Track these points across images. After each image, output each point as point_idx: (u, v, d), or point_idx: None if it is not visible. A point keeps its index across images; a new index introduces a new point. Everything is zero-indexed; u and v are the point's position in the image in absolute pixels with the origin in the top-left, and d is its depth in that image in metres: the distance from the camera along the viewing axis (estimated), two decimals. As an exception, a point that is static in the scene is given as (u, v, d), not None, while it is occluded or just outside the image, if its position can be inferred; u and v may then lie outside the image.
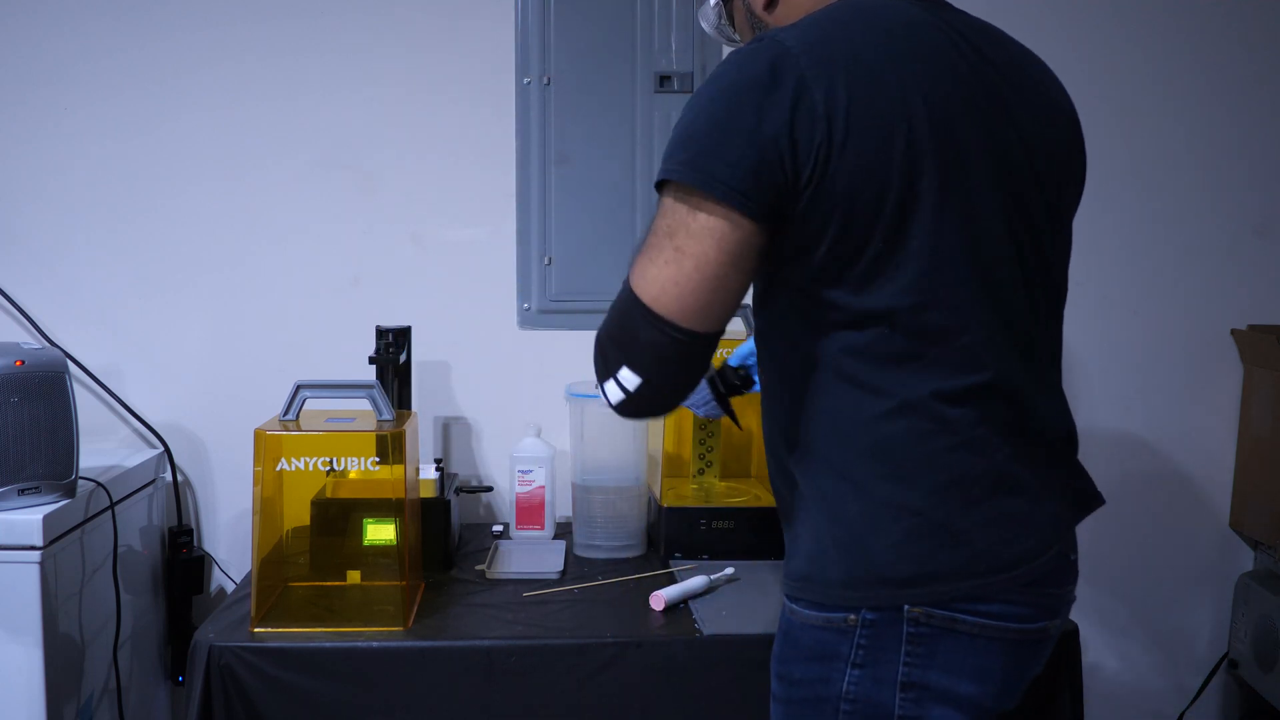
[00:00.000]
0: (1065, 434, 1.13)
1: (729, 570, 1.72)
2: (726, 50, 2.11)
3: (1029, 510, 1.04)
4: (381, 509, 1.64)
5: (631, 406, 1.06)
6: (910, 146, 0.97)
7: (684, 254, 0.98)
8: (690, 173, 0.97)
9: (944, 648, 1.03)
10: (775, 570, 1.73)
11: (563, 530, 2.00)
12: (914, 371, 1.01)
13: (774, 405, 1.13)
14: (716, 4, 1.25)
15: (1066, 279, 1.16)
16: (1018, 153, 1.05)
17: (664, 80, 2.10)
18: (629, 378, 1.03)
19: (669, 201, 1.00)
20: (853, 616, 1.03)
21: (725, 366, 1.57)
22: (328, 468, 1.57)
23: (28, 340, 1.95)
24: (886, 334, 1.00)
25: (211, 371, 2.09)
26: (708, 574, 1.69)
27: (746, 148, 0.95)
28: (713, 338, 1.03)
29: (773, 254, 1.02)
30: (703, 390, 1.55)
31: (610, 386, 1.06)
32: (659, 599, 1.59)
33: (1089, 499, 1.14)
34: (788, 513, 1.14)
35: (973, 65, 1.04)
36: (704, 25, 1.28)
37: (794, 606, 1.09)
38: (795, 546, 1.11)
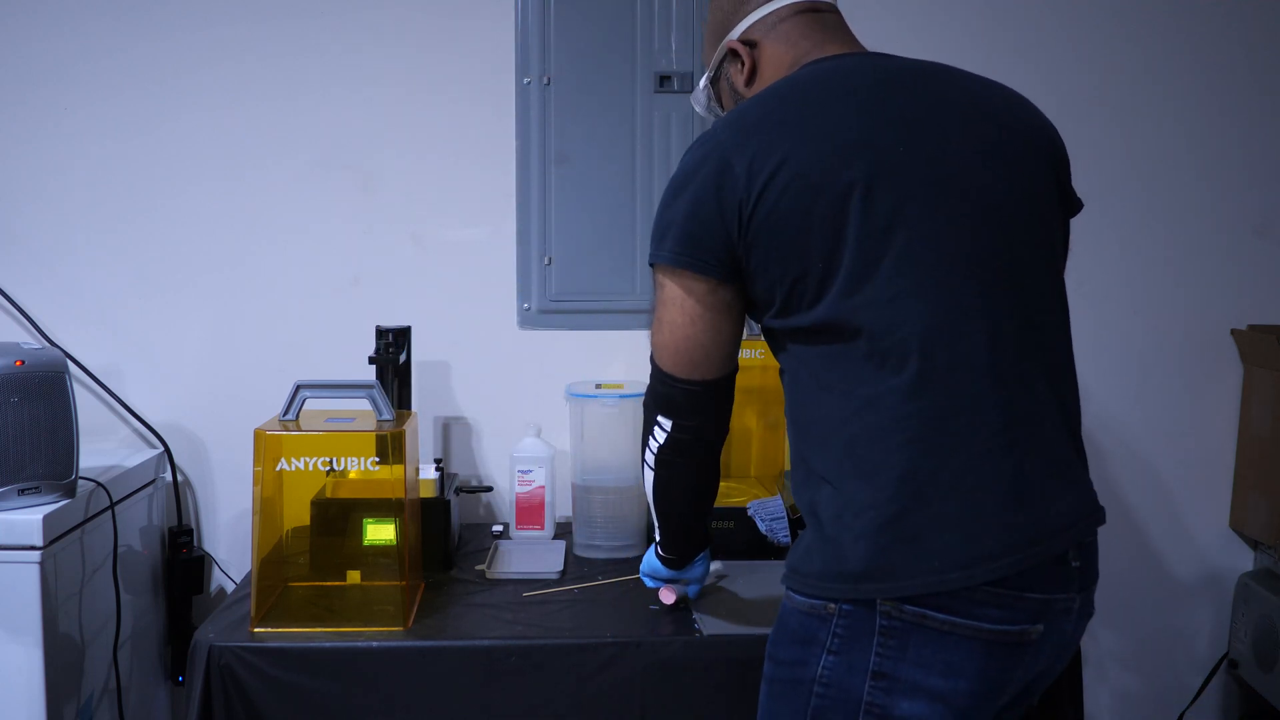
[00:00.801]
0: (1055, 435, 1.12)
1: (717, 565, 1.73)
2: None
3: (996, 510, 1.05)
4: (381, 509, 1.64)
5: (674, 444, 1.28)
6: (837, 181, 1.08)
7: (663, 322, 1.22)
8: (654, 254, 1.19)
9: (915, 642, 1.06)
10: (774, 569, 1.72)
11: (563, 530, 2.00)
12: (873, 370, 1.08)
13: (788, 425, 1.23)
14: (706, 87, 1.37)
15: (1057, 275, 1.19)
16: (972, 170, 1.12)
17: (664, 80, 2.10)
18: (665, 421, 1.27)
19: (654, 278, 1.22)
20: (832, 605, 1.10)
21: None
22: (328, 468, 1.57)
23: (28, 340, 1.95)
24: (846, 343, 1.10)
25: (211, 371, 2.09)
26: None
27: (687, 222, 1.15)
28: (714, 383, 1.23)
29: (748, 299, 1.19)
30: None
31: (656, 433, 1.29)
32: (669, 594, 1.59)
33: (1088, 508, 1.13)
34: (801, 507, 1.22)
35: (905, 101, 1.14)
36: (697, 108, 1.40)
37: (788, 592, 1.17)
38: (797, 541, 1.20)
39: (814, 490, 1.14)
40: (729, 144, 1.13)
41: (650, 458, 1.32)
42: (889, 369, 1.07)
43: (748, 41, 1.27)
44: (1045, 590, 1.07)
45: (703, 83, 1.37)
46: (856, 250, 1.07)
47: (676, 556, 1.48)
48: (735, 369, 1.26)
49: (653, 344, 1.25)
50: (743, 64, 1.28)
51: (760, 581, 1.72)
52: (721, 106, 1.37)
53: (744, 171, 1.11)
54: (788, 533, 1.77)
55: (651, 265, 1.21)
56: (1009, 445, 1.07)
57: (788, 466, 2.09)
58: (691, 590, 1.60)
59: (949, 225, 1.09)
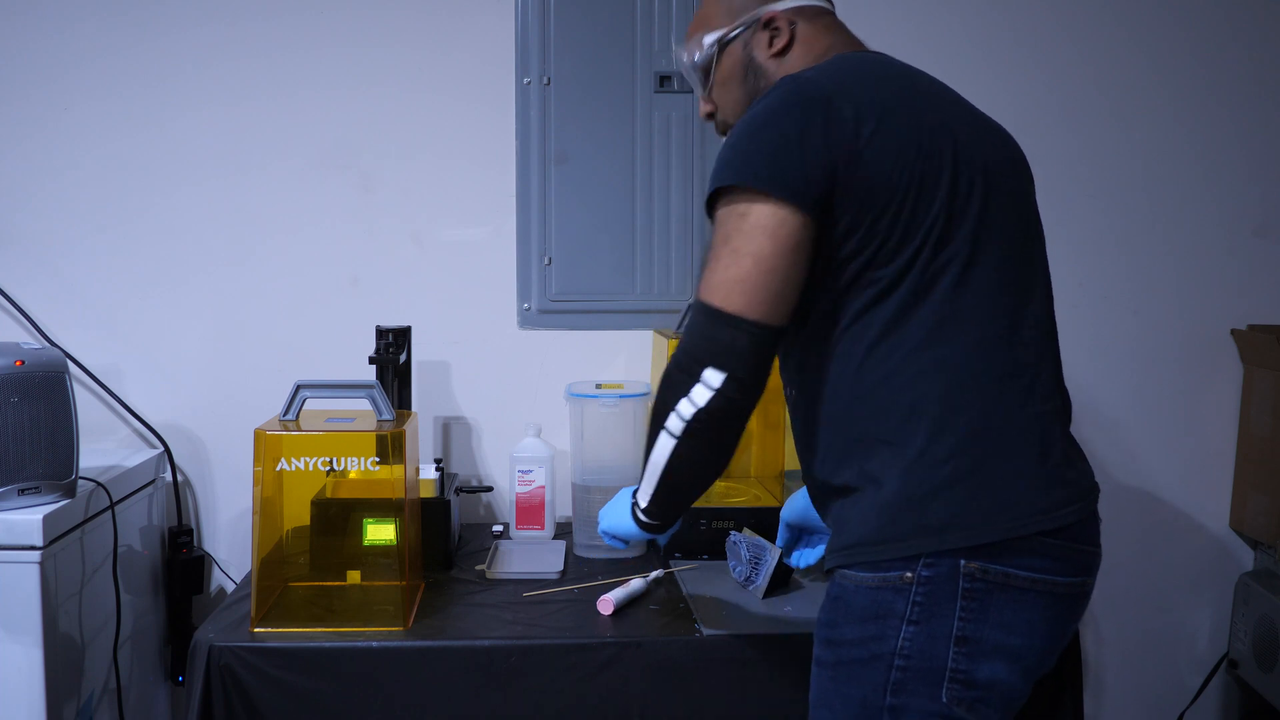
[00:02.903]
0: (1066, 404, 1.22)
1: (658, 573, 1.73)
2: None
3: (1057, 464, 1.14)
4: (381, 509, 1.64)
5: (720, 404, 1.13)
6: (934, 152, 1.13)
7: (741, 253, 1.11)
8: (738, 176, 1.11)
9: (996, 603, 1.09)
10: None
11: (563, 530, 2.00)
12: (945, 331, 1.12)
13: (819, 404, 1.20)
14: (712, 45, 1.32)
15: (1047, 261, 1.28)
16: (1008, 176, 1.21)
17: (664, 80, 2.10)
18: (713, 376, 1.13)
19: (721, 213, 1.14)
20: (909, 574, 1.10)
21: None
22: (328, 468, 1.57)
23: (28, 340, 1.95)
24: (922, 303, 1.12)
25: (211, 371, 2.09)
26: (643, 576, 1.70)
27: (788, 150, 1.10)
28: (780, 331, 1.14)
29: (822, 244, 1.14)
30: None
31: (696, 392, 1.14)
32: (608, 603, 1.59)
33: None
34: (833, 496, 1.20)
35: (945, 98, 1.23)
36: (683, 58, 1.36)
37: (847, 573, 1.16)
38: (843, 524, 1.18)
39: (866, 457, 1.14)
40: (830, 87, 1.12)
41: (676, 423, 1.17)
42: (959, 331, 1.12)
43: (790, 20, 1.28)
44: (1091, 543, 1.16)
45: (711, 37, 1.32)
46: (945, 218, 1.12)
47: (661, 523, 1.33)
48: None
49: (714, 282, 1.13)
50: (778, 36, 1.27)
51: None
52: (714, 68, 1.32)
53: (852, 115, 1.11)
54: (760, 580, 1.67)
55: (725, 190, 1.13)
56: (1054, 412, 1.16)
57: (788, 467, 2.09)
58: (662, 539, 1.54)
59: (1002, 219, 1.17)
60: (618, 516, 1.40)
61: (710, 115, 1.37)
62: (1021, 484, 1.11)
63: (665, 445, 1.20)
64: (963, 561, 1.08)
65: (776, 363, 1.22)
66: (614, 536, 1.43)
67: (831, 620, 1.18)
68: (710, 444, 1.19)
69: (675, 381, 1.16)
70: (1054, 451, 1.14)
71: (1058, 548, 1.11)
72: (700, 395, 1.14)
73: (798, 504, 1.60)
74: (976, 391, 1.12)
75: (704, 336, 1.14)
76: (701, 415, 1.14)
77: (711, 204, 1.16)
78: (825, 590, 1.22)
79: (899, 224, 1.11)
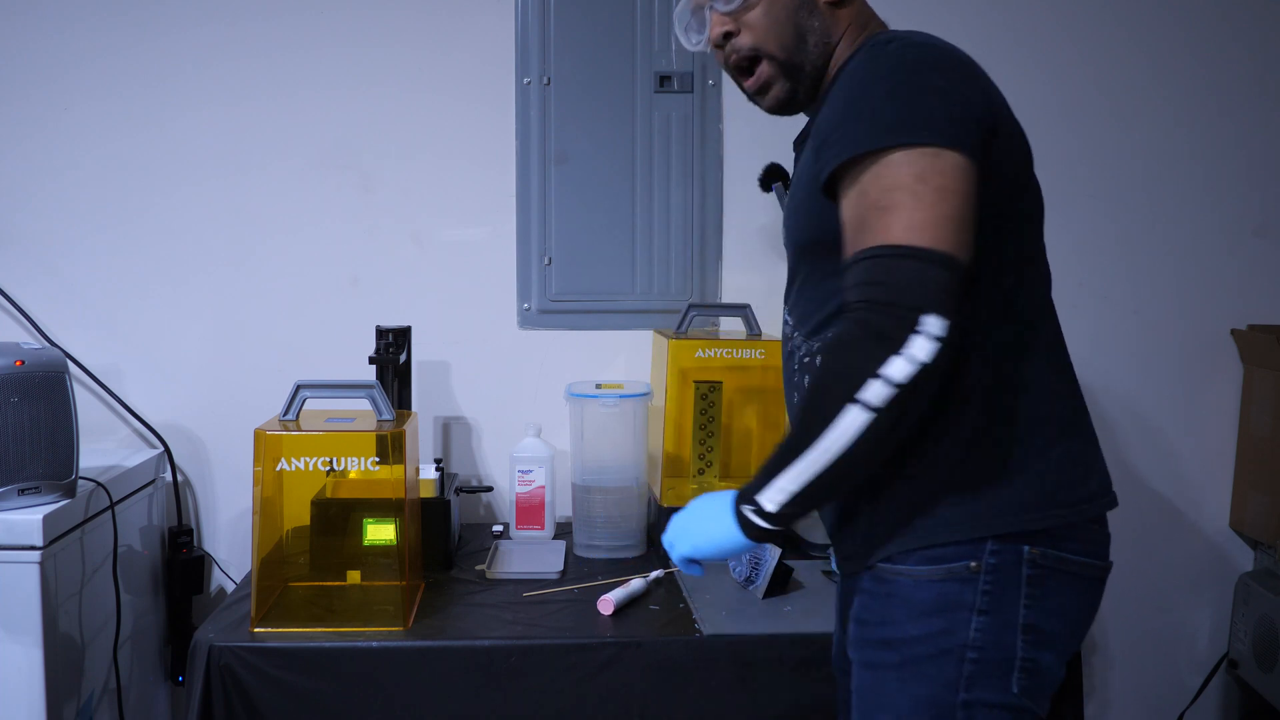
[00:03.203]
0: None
1: (658, 573, 1.73)
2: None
3: (1093, 453, 1.16)
4: (381, 509, 1.64)
5: (945, 359, 0.97)
6: (1026, 144, 1.14)
7: (946, 191, 1.00)
8: (925, 130, 1.02)
9: (1053, 589, 1.08)
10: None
11: (563, 530, 2.00)
12: (1030, 316, 1.12)
13: None
14: None
15: None
16: None
17: (664, 80, 2.10)
18: (936, 324, 0.96)
19: (900, 157, 1.01)
20: (974, 563, 1.07)
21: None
22: (328, 468, 1.57)
23: (28, 340, 1.94)
24: (1020, 287, 1.11)
25: (211, 371, 2.09)
26: (644, 576, 1.71)
27: (965, 104, 1.04)
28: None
29: None
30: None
31: (917, 346, 0.96)
32: (608, 603, 1.59)
33: None
34: (870, 485, 1.12)
35: None
36: (719, 8, 1.21)
37: (898, 568, 1.10)
38: (886, 516, 1.12)
39: (918, 441, 1.07)
40: (967, 54, 1.11)
41: (880, 392, 0.97)
42: (1039, 316, 1.14)
43: None
44: (1107, 526, 1.19)
45: None
46: (1036, 202, 1.16)
47: (793, 520, 1.08)
48: None
49: (915, 221, 0.98)
50: None
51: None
52: (742, 8, 1.20)
53: (994, 87, 1.10)
54: (760, 580, 1.66)
55: (914, 145, 1.01)
56: (1080, 400, 1.18)
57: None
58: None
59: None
60: (711, 532, 1.12)
61: (728, 36, 1.21)
62: (1077, 470, 1.12)
63: (855, 421, 0.98)
64: (1026, 548, 1.07)
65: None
66: (696, 561, 1.17)
67: (885, 619, 1.10)
68: (914, 413, 1.00)
69: (876, 340, 0.97)
70: (1093, 440, 1.16)
71: (1100, 533, 1.14)
72: (922, 349, 0.96)
73: None
74: (1033, 378, 1.11)
75: (917, 280, 0.97)
76: (923, 376, 0.96)
77: (850, 161, 1.03)
78: (855, 589, 1.15)
79: (1023, 203, 1.12)
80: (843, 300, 1.04)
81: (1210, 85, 2.21)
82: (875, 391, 0.97)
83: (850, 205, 1.04)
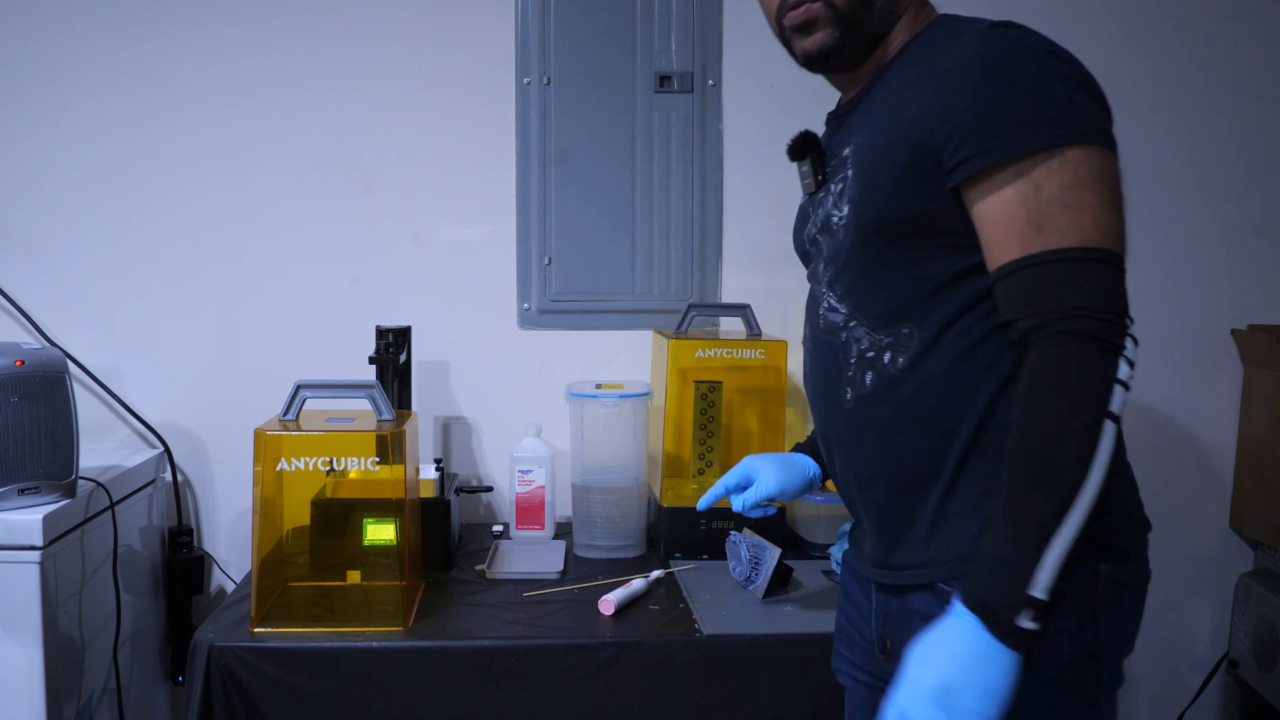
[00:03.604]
0: None
1: (658, 573, 1.73)
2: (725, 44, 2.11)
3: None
4: (381, 509, 1.64)
5: (1130, 365, 0.95)
6: None
7: (1118, 194, 1.02)
8: (1085, 132, 1.01)
9: (1125, 602, 1.05)
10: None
11: (563, 530, 2.00)
12: None
13: (931, 376, 1.05)
14: None
15: None
16: None
17: (664, 80, 2.10)
18: (1130, 327, 0.96)
19: (1080, 155, 0.99)
20: (1105, 567, 1.03)
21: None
22: (328, 468, 1.57)
23: (28, 340, 1.95)
24: None
25: (211, 371, 2.09)
26: (644, 576, 1.70)
27: (1104, 106, 1.06)
28: None
29: None
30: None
31: (1129, 348, 0.95)
32: (609, 603, 1.59)
33: None
34: (948, 490, 1.05)
35: None
36: None
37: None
38: (962, 533, 1.04)
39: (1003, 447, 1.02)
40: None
41: (1121, 396, 0.93)
42: None
43: None
44: None
45: None
46: None
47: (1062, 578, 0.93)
48: None
49: (1105, 223, 0.98)
50: None
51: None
52: None
53: None
54: (760, 580, 1.65)
55: (1088, 144, 1.00)
56: None
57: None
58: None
59: None
60: (987, 682, 0.91)
61: None
62: (1132, 481, 1.10)
63: (1110, 438, 0.93)
64: (1103, 566, 1.02)
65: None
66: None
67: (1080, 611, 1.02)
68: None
69: (1109, 350, 0.93)
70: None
71: (1146, 541, 1.10)
72: (1131, 352, 0.95)
73: (789, 475, 1.40)
74: None
75: (1121, 286, 0.98)
76: (1127, 382, 0.94)
77: (1006, 150, 0.98)
78: (908, 609, 1.07)
79: None
80: (1034, 301, 0.96)
81: (1210, 85, 2.21)
82: (1118, 399, 0.93)
83: (1012, 200, 0.98)
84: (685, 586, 1.71)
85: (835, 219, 1.12)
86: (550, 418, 2.06)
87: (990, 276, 1.01)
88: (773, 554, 1.65)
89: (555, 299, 2.13)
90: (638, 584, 1.66)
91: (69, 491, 1.65)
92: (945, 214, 1.03)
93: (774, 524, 1.75)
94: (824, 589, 1.71)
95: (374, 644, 1.48)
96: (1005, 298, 0.99)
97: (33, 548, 1.57)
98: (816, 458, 1.43)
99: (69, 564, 1.67)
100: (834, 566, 1.73)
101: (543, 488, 1.97)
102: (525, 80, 2.09)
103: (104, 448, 2.00)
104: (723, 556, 1.77)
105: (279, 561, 1.66)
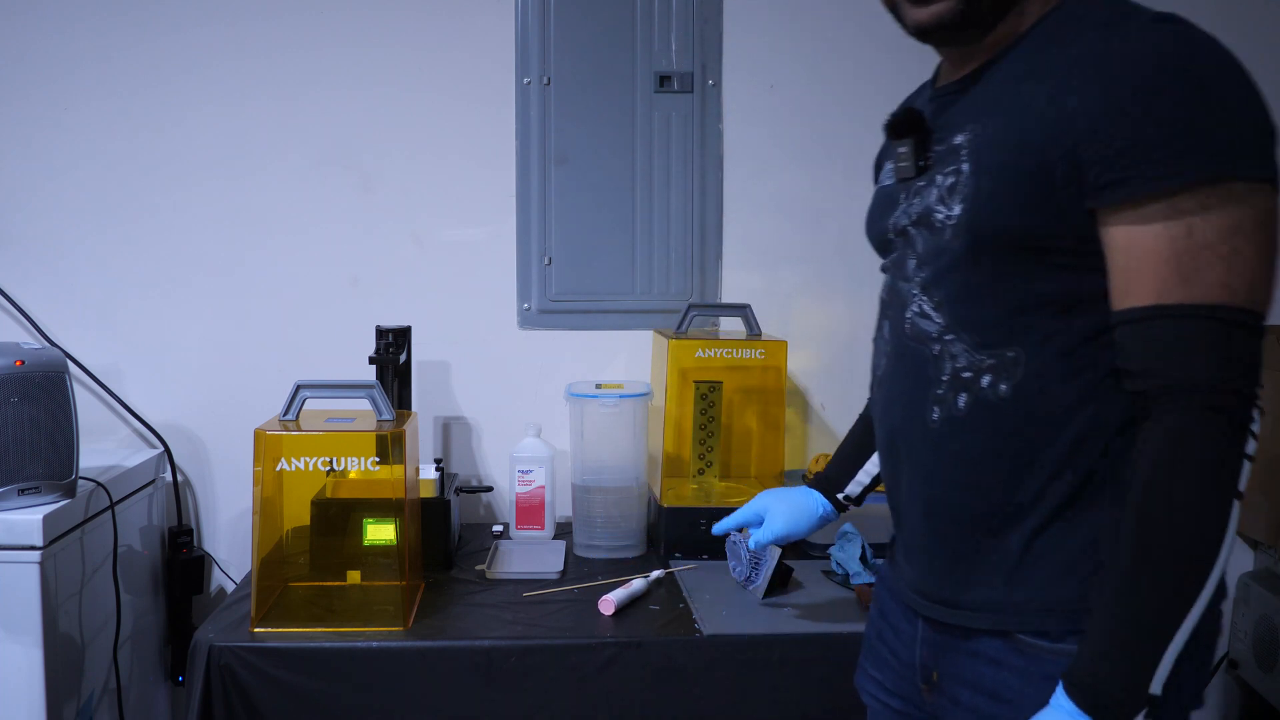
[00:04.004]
0: None
1: (658, 573, 1.73)
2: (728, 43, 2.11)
3: None
4: (381, 509, 1.64)
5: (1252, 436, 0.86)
6: None
7: (1273, 243, 0.86)
8: (1248, 165, 0.85)
9: (1207, 664, 0.97)
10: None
11: (563, 530, 2.00)
12: None
13: (1039, 392, 0.95)
14: None
15: None
16: None
17: (664, 80, 2.10)
18: (1258, 398, 0.86)
19: (1242, 192, 0.85)
20: None
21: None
22: (328, 468, 1.57)
23: (28, 340, 1.95)
24: None
25: (211, 371, 2.09)
26: (644, 576, 1.70)
27: (1271, 122, 0.88)
28: None
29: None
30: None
31: (1256, 422, 0.87)
32: (609, 603, 1.59)
33: None
34: (1048, 520, 0.96)
35: None
36: None
37: (1065, 648, 0.92)
38: (1048, 577, 0.96)
39: (1113, 472, 0.94)
40: None
41: (1246, 475, 0.87)
42: None
43: None
44: None
45: None
46: None
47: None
48: None
49: (1256, 279, 0.85)
50: None
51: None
52: None
53: None
54: (760, 580, 1.66)
55: (1235, 178, 0.84)
56: None
57: (787, 466, 2.09)
58: None
59: None
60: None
61: None
62: None
63: (1235, 521, 0.88)
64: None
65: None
66: None
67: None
68: None
69: (1241, 427, 0.86)
70: None
71: None
72: (1257, 425, 0.86)
73: (797, 516, 1.41)
74: None
75: (1259, 358, 0.86)
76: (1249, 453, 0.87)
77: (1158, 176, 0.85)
78: (974, 652, 0.99)
79: None
80: (1168, 361, 0.86)
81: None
82: (1245, 476, 0.87)
83: (1158, 236, 0.85)
84: (685, 586, 1.71)
85: (940, 216, 0.99)
86: (550, 418, 2.06)
87: (1114, 315, 0.89)
88: (773, 554, 1.65)
89: (555, 299, 2.13)
90: (638, 584, 1.66)
91: (69, 491, 1.65)
92: (1076, 231, 0.91)
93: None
94: (824, 589, 1.71)
95: (374, 644, 1.48)
96: (1130, 346, 0.88)
97: (33, 548, 1.57)
98: (832, 486, 1.40)
99: (69, 564, 1.67)
100: (834, 567, 1.74)
101: (543, 488, 1.97)
102: (525, 80, 2.09)
103: (104, 448, 2.00)
104: (723, 556, 1.77)
105: (279, 561, 1.66)
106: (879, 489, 1.30)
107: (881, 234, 1.10)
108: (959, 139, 0.98)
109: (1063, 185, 0.89)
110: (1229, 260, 0.84)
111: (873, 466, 1.37)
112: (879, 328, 1.12)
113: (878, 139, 1.15)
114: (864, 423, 1.38)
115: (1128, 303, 0.88)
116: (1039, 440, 0.95)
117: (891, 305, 1.08)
